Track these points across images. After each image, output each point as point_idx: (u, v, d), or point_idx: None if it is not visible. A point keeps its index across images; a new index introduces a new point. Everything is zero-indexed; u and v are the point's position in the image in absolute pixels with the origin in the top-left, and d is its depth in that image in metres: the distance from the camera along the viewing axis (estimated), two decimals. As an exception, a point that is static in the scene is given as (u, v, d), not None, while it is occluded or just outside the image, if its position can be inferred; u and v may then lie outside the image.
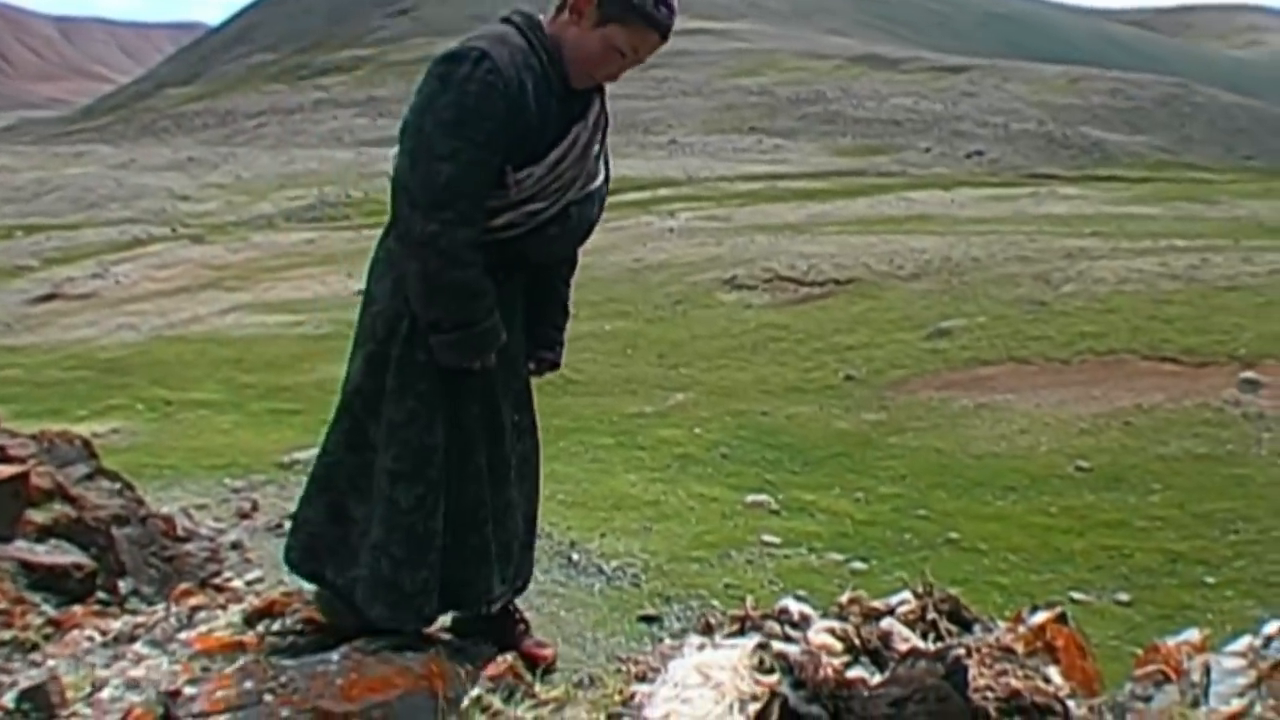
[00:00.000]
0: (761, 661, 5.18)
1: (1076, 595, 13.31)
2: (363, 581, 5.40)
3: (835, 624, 5.69)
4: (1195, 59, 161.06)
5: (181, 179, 61.95)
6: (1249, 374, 19.47)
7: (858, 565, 13.90)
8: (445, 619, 5.92)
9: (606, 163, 5.76)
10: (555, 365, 6.10)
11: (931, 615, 5.91)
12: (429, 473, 5.34)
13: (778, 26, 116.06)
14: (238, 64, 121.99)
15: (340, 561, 5.54)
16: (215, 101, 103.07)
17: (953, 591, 6.34)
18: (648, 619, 10.82)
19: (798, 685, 4.97)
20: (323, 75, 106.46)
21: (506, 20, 5.49)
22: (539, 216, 5.36)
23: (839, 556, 14.18)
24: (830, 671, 5.12)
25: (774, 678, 5.15)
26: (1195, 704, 5.20)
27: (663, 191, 49.13)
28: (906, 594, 6.15)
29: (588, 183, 5.54)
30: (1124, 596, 13.43)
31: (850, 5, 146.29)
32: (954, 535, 14.98)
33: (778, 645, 5.46)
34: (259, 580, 10.54)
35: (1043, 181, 55.57)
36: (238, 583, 9.70)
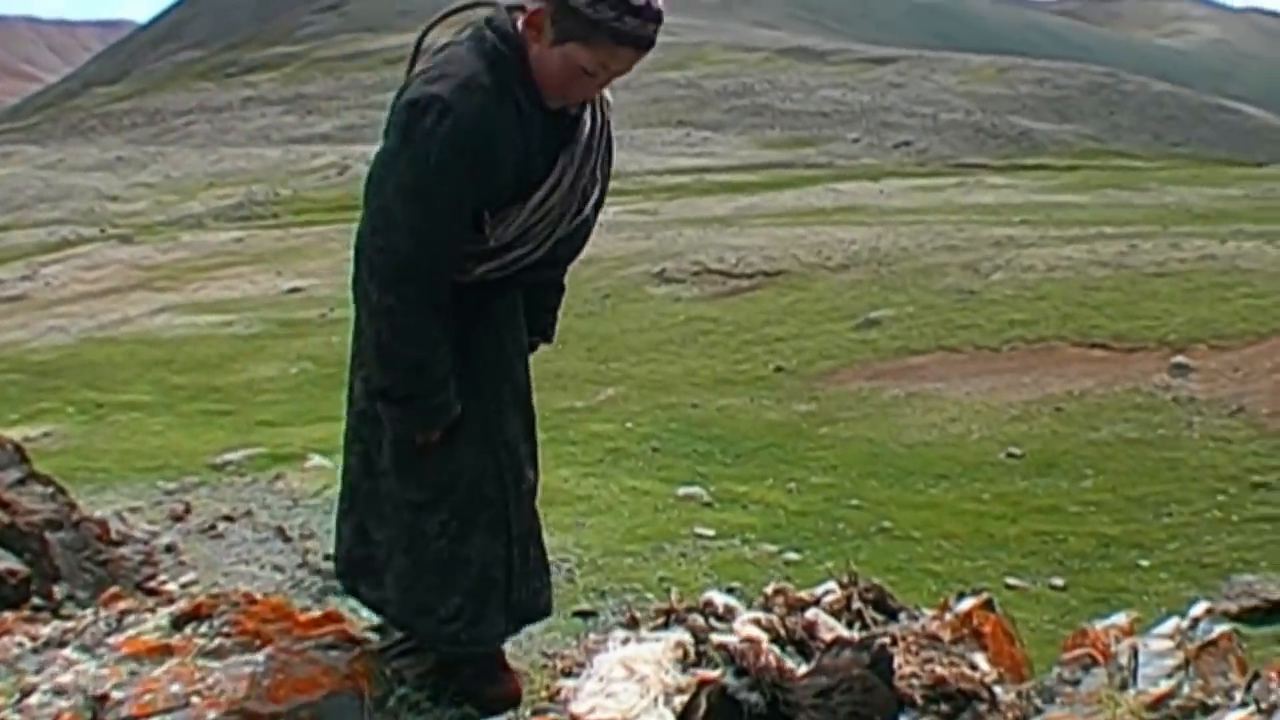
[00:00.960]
0: (686, 654, 5.22)
1: (1011, 581, 13.40)
2: (394, 605, 5.30)
3: (761, 615, 5.73)
4: (1124, 48, 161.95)
5: (110, 179, 61.56)
6: (1179, 359, 19.61)
7: (791, 556, 13.95)
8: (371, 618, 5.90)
9: (606, 172, 5.22)
10: (547, 340, 5.85)
11: (857, 604, 5.94)
12: (452, 499, 5.13)
13: (705, 19, 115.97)
14: (166, 62, 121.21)
15: (370, 581, 5.44)
16: (143, 100, 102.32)
17: (886, 580, 6.39)
18: (583, 614, 10.87)
19: (740, 674, 5.03)
20: (251, 73, 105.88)
21: (478, 40, 4.86)
22: (523, 261, 5.03)
23: (772, 548, 14.21)
24: (772, 660, 5.17)
25: (704, 671, 5.20)
26: (1123, 686, 5.24)
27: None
28: (832, 584, 6.19)
29: (579, 210, 5.10)
30: (1058, 581, 13.52)
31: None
32: (887, 524, 15.05)
33: (717, 636, 5.51)
34: (193, 583, 10.53)
35: (971, 171, 55.81)
36: (172, 585, 9.68)
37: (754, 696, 4.65)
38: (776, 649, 5.45)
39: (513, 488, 5.32)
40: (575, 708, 5.01)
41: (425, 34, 5.28)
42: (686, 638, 5.30)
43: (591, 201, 5.16)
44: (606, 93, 5.17)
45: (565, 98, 4.90)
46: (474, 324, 5.11)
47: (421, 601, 5.24)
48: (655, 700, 4.97)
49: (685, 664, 5.25)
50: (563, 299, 5.75)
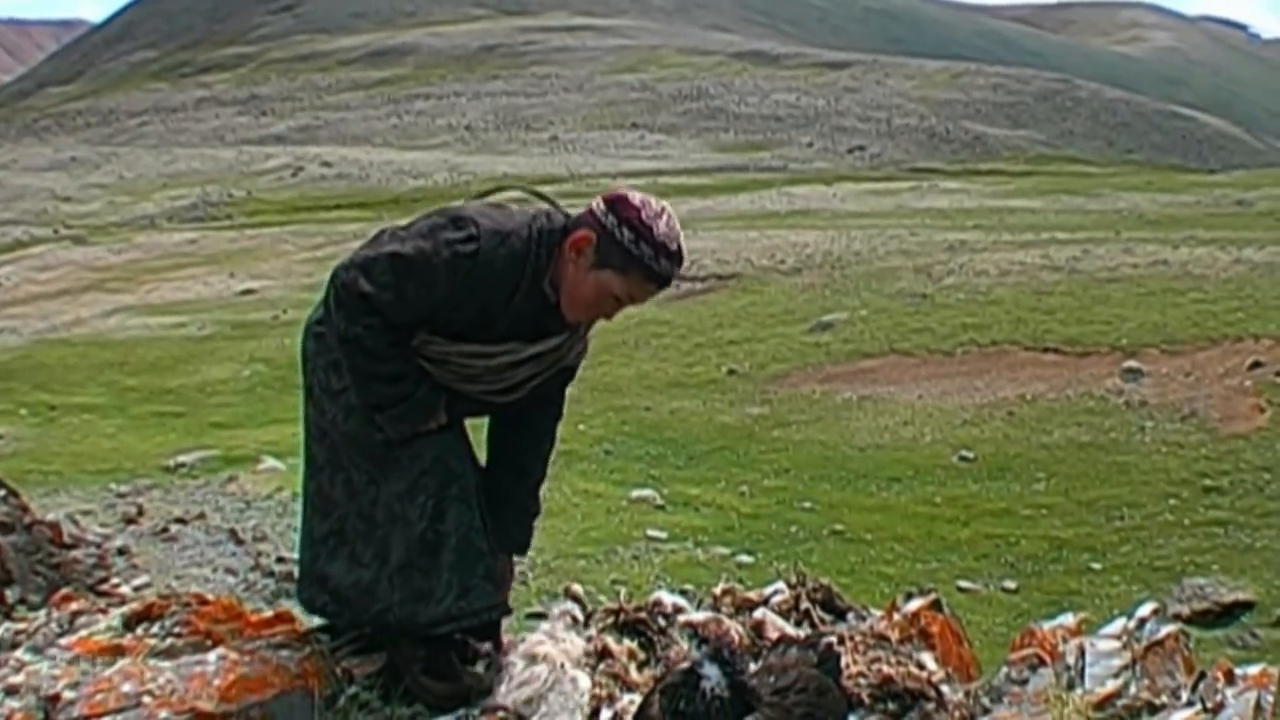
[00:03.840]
0: (632, 654, 5.26)
1: (963, 584, 13.46)
2: (395, 608, 5.35)
3: (708, 615, 5.76)
4: (1078, 54, 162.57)
5: (63, 179, 61.36)
6: (1131, 363, 19.73)
7: (744, 558, 13.99)
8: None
9: (542, 386, 5.50)
10: (531, 514, 5.80)
11: (805, 605, 5.96)
12: (425, 480, 5.31)
13: (660, 23, 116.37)
14: (120, 62, 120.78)
15: (365, 602, 5.51)
16: (97, 100, 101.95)
17: (839, 583, 6.40)
18: (536, 615, 10.86)
19: (701, 647, 5.11)
20: (205, 73, 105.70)
21: (533, 218, 5.25)
22: (443, 380, 5.31)
23: (725, 550, 14.26)
24: (733, 633, 5.23)
25: (653, 671, 5.23)
26: (1071, 686, 5.27)
27: (545, 188, 48.98)
28: (780, 584, 6.21)
29: (500, 394, 5.41)
30: (1010, 584, 13.59)
31: (732, 2, 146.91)
32: (839, 527, 15.10)
33: (685, 616, 5.57)
34: (146, 585, 10.50)
35: (924, 176, 56.08)
36: (125, 588, 9.65)
37: (715, 672, 4.66)
38: (738, 626, 5.51)
39: (473, 463, 5.51)
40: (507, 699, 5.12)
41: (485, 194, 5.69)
42: (572, 606, 5.40)
43: (513, 397, 5.44)
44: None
45: (587, 316, 5.33)
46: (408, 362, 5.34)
47: (418, 589, 5.34)
48: (562, 667, 5.11)
49: (640, 662, 5.29)
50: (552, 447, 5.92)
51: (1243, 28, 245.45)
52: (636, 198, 5.17)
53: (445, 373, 5.29)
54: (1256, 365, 19.04)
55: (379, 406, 5.25)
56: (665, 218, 5.14)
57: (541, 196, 5.56)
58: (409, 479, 5.33)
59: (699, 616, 5.64)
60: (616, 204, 5.13)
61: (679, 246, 5.17)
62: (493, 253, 5.08)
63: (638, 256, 5.09)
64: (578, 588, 5.41)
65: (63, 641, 5.58)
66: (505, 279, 5.13)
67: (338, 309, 5.16)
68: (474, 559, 5.36)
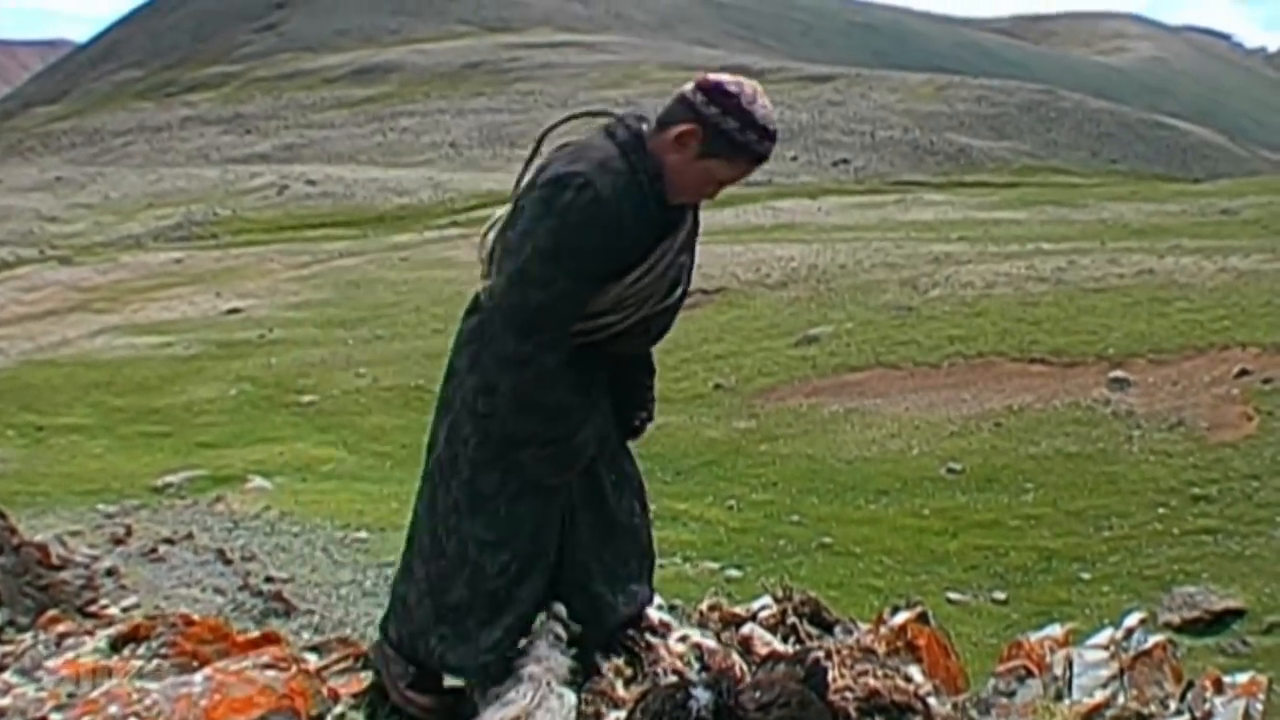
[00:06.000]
0: (619, 671, 5.26)
1: (953, 595, 13.47)
2: (437, 640, 5.43)
3: (696, 630, 5.76)
4: (1061, 65, 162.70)
5: (49, 199, 61.20)
6: (1118, 373, 19.74)
7: (733, 573, 13.98)
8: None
9: (690, 266, 5.64)
10: (650, 419, 6.10)
11: (792, 619, 5.97)
12: (516, 543, 5.39)
13: (643, 39, 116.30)
14: (105, 82, 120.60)
15: (400, 616, 5.59)
16: (82, 120, 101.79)
17: (828, 596, 6.41)
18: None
19: (702, 671, 5.12)
20: (190, 92, 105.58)
21: (610, 133, 5.38)
22: (612, 328, 5.37)
23: (714, 565, 14.25)
24: (735, 668, 5.23)
25: (641, 687, 5.23)
26: (1059, 697, 5.28)
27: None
28: (767, 599, 6.22)
29: (667, 296, 5.47)
30: (1000, 595, 13.60)
31: (715, 16, 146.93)
32: (827, 540, 15.10)
33: (696, 636, 5.57)
34: (135, 606, 10.46)
35: (909, 188, 56.11)
36: (114, 609, 9.61)
37: (706, 696, 4.68)
38: (742, 664, 5.50)
39: (562, 541, 5.55)
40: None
41: (546, 134, 5.68)
42: (556, 625, 5.41)
43: (679, 291, 5.53)
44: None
45: (693, 200, 5.44)
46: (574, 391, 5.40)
47: (468, 633, 5.42)
48: (548, 685, 5.11)
49: (626, 679, 5.29)
50: (654, 377, 6.09)
51: (1226, 37, 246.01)
52: (730, 84, 5.24)
53: (620, 311, 5.35)
54: (1244, 373, 19.06)
55: (529, 442, 5.29)
56: (760, 99, 5.22)
57: (597, 114, 5.65)
58: (499, 533, 5.40)
59: (710, 643, 5.64)
60: (715, 93, 5.21)
61: (775, 125, 5.27)
62: (607, 186, 5.13)
63: (743, 143, 5.19)
64: (560, 607, 5.40)
65: (50, 663, 5.57)
66: (627, 199, 5.19)
67: (506, 329, 5.17)
68: (524, 629, 5.45)
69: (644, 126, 5.40)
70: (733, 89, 5.21)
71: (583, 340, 5.32)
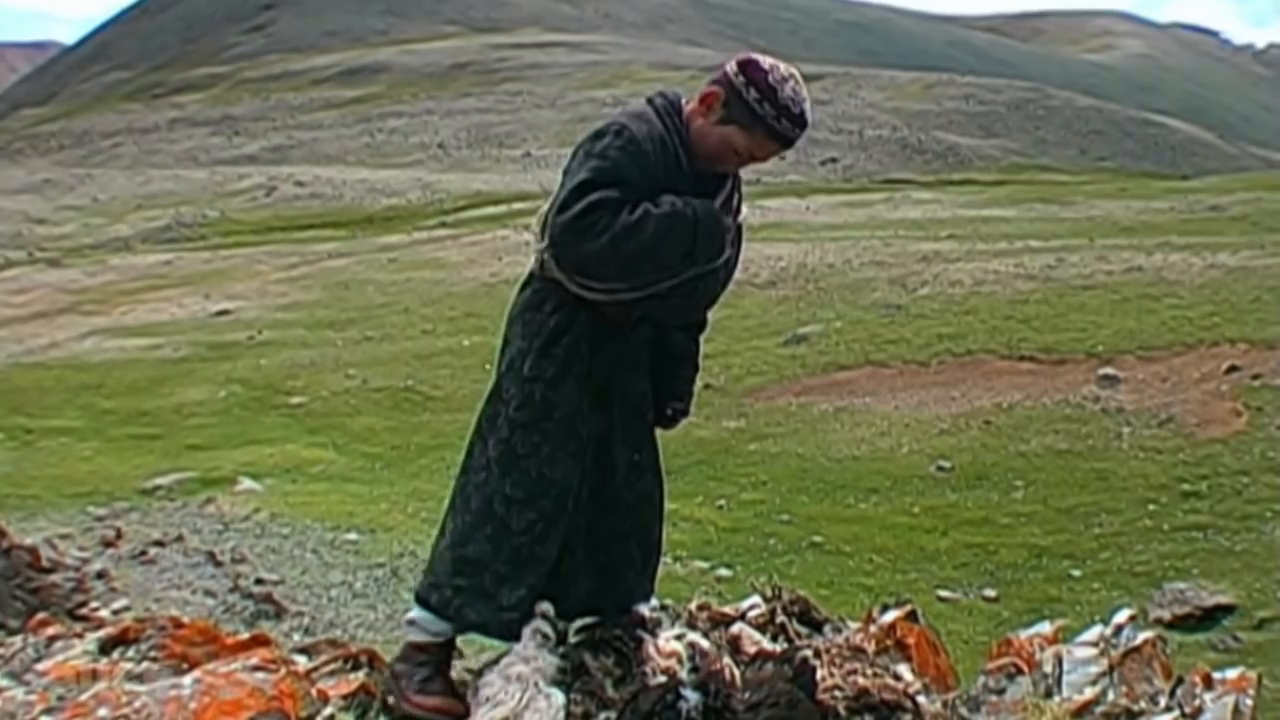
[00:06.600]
0: (608, 671, 5.26)
1: (943, 593, 13.48)
2: (452, 592, 5.53)
3: (686, 630, 5.76)
4: (1049, 63, 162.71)
5: (37, 201, 61.10)
6: (1107, 370, 19.76)
7: (723, 572, 13.98)
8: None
9: (737, 240, 5.79)
10: (685, 413, 6.24)
11: (781, 618, 5.98)
12: (544, 502, 5.50)
13: (632, 38, 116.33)
14: (93, 83, 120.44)
15: (426, 569, 5.71)
16: (71, 122, 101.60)
17: (818, 595, 6.41)
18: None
19: (693, 672, 5.13)
20: (178, 93, 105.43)
21: (649, 101, 5.61)
22: (658, 285, 5.46)
23: (704, 564, 14.26)
24: (727, 672, 5.23)
25: (631, 687, 5.23)
26: (1048, 694, 5.28)
27: (518, 205, 48.73)
28: (756, 598, 6.22)
29: (715, 255, 5.59)
30: (991, 593, 13.61)
31: (703, 16, 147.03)
32: (818, 539, 15.10)
33: (691, 636, 5.58)
34: (125, 609, 10.46)
35: (897, 187, 56.09)
36: (104, 612, 9.60)
37: (695, 697, 4.70)
38: (733, 667, 5.51)
39: (587, 504, 5.71)
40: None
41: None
42: (543, 624, 5.41)
43: (724, 256, 5.64)
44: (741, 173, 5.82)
45: (711, 167, 5.55)
46: (608, 363, 5.66)
47: (485, 590, 5.53)
48: (536, 685, 5.11)
49: (616, 679, 5.29)
50: (697, 374, 6.22)
51: (1214, 34, 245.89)
52: (766, 61, 5.44)
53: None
54: (1233, 369, 19.10)
55: (673, 262, 5.41)
56: (792, 82, 5.38)
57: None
58: (528, 492, 5.52)
59: (701, 643, 5.64)
60: (747, 65, 5.41)
61: (803, 111, 5.41)
62: (642, 132, 5.37)
63: (761, 115, 5.35)
64: (547, 605, 5.41)
65: (39, 666, 5.56)
66: (660, 152, 5.39)
67: (559, 216, 5.30)
68: (543, 591, 5.55)
69: (683, 100, 5.61)
70: (765, 65, 5.40)
71: (632, 297, 5.45)
